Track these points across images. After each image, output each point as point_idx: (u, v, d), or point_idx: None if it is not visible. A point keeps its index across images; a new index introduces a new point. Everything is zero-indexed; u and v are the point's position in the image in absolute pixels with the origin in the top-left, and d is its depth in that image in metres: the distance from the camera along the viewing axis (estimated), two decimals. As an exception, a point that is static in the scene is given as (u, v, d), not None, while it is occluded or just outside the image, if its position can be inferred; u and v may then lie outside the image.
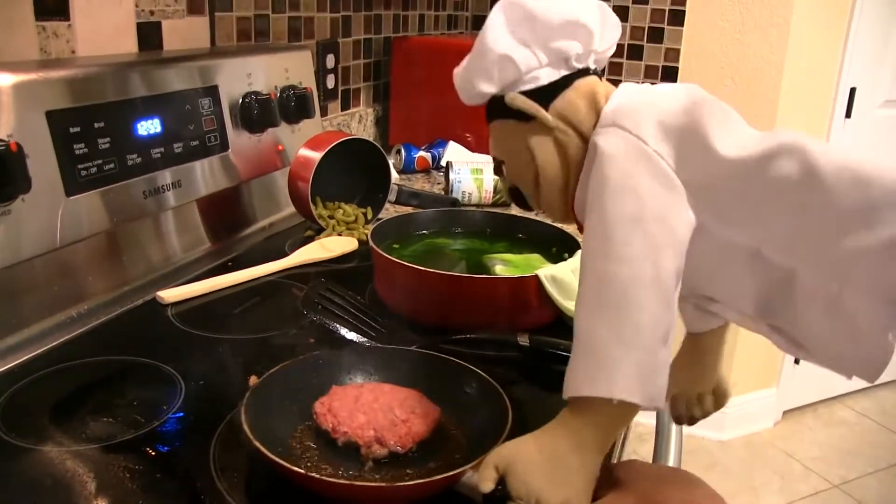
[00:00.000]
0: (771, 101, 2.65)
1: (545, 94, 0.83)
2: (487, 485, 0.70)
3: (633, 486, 0.70)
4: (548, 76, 0.83)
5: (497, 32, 0.83)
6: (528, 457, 0.69)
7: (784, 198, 0.72)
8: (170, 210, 1.30)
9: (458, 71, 0.89)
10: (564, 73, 0.84)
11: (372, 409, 0.82)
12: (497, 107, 0.86)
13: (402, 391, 0.87)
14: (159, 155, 1.23)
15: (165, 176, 1.26)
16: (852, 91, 2.88)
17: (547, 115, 0.82)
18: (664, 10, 2.66)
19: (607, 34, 0.85)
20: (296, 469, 0.71)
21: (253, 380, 0.96)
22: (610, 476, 0.71)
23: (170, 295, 1.19)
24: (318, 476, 0.72)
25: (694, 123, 0.74)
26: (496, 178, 1.74)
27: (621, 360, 0.66)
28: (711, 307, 0.86)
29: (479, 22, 2.83)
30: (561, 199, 0.85)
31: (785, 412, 3.29)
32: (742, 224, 0.75)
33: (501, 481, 0.70)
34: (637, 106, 0.78)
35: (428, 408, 0.85)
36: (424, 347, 1.03)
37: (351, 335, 1.04)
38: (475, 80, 0.85)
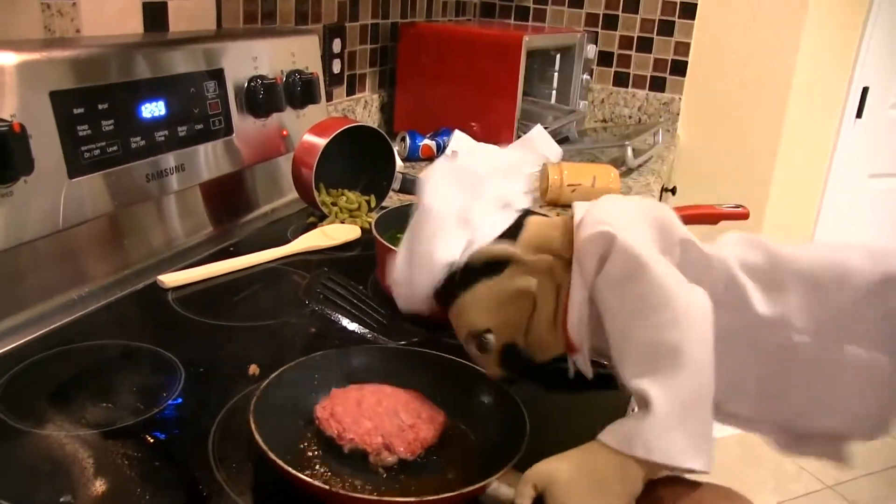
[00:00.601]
0: (780, 98, 2.63)
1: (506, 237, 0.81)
2: (525, 502, 0.69)
3: (673, 502, 0.69)
4: (499, 224, 0.82)
5: (443, 241, 0.82)
6: (568, 477, 0.68)
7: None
8: (172, 194, 1.29)
9: (399, 290, 0.88)
10: (513, 216, 0.83)
11: (377, 414, 0.81)
12: (458, 281, 0.82)
13: (404, 393, 0.86)
14: (163, 138, 1.22)
15: (169, 159, 1.25)
16: (865, 91, 2.86)
17: (518, 252, 0.79)
18: (675, 3, 2.64)
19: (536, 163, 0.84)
20: (319, 485, 0.69)
21: (253, 369, 0.96)
22: (652, 492, 0.70)
23: (170, 279, 1.18)
24: (343, 493, 0.71)
25: (663, 228, 0.77)
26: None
27: (679, 428, 0.66)
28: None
29: (487, 8, 2.82)
30: (553, 329, 0.81)
31: (780, 410, 3.28)
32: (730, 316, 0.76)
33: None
34: (617, 208, 0.79)
35: (433, 412, 0.84)
36: (424, 341, 1.03)
37: (352, 326, 1.03)
38: (429, 286, 0.83)
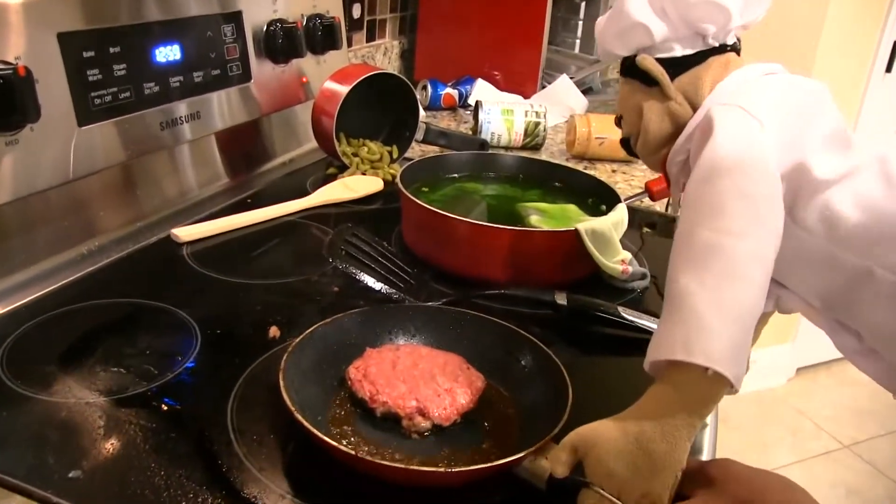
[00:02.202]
0: (809, 50, 2.54)
1: (674, 65, 0.84)
2: (563, 469, 0.65)
3: (726, 486, 0.64)
4: (682, 49, 0.84)
5: None
6: (611, 441, 0.62)
7: (860, 203, 0.73)
8: (187, 143, 1.23)
9: (598, 25, 0.90)
10: (700, 48, 0.84)
11: (412, 377, 0.76)
12: (627, 65, 0.88)
13: (441, 355, 0.81)
14: (178, 84, 1.16)
15: (183, 107, 1.18)
16: (895, 45, 2.77)
17: (670, 86, 0.83)
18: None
19: (750, 10, 0.84)
20: (346, 450, 0.65)
21: (273, 331, 0.91)
22: (703, 474, 0.65)
23: (185, 233, 1.12)
24: (371, 459, 0.67)
25: (803, 133, 0.76)
26: (527, 120, 1.66)
27: (721, 331, 0.61)
28: (778, 291, 0.84)
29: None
30: (656, 155, 0.88)
31: (799, 369, 3.24)
32: (815, 228, 0.75)
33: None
34: (762, 90, 0.80)
35: (471, 376, 0.79)
36: (455, 301, 0.98)
37: (378, 285, 0.97)
38: (609, 41, 0.88)
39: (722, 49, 0.85)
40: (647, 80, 0.85)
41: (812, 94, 0.80)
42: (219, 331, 0.91)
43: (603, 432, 0.63)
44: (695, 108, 0.83)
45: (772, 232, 0.67)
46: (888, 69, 2.82)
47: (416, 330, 0.88)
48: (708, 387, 0.62)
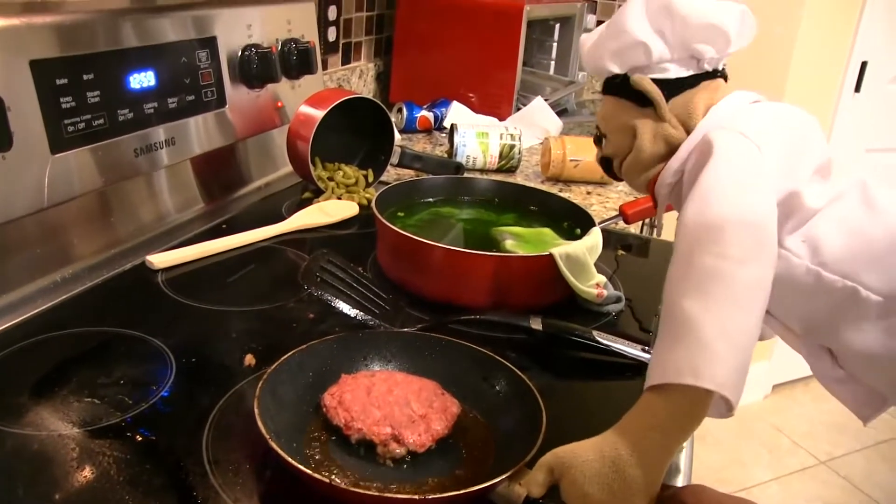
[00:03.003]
0: (781, 70, 2.58)
1: (669, 86, 0.84)
2: (538, 490, 0.65)
3: None
4: (676, 71, 0.85)
5: (636, 16, 0.83)
6: (587, 463, 0.63)
7: (845, 227, 0.74)
8: (162, 169, 1.23)
9: (586, 42, 0.90)
10: (693, 72, 0.85)
11: (387, 403, 0.76)
12: (616, 83, 0.87)
13: (416, 381, 0.81)
14: (152, 110, 1.16)
15: (159, 133, 1.18)
16: (863, 65, 2.81)
17: (666, 108, 0.83)
18: (677, -28, 2.57)
19: (743, 36, 0.85)
20: (320, 478, 0.65)
21: (249, 359, 0.90)
22: (676, 500, 0.65)
23: (160, 260, 1.12)
24: (345, 487, 0.67)
25: (797, 162, 0.77)
26: (502, 142, 1.67)
27: (727, 357, 0.61)
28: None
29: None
30: (644, 176, 0.87)
31: (775, 386, 3.26)
32: (801, 253, 0.76)
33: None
34: (759, 116, 0.81)
35: (446, 402, 0.79)
36: (431, 327, 0.98)
37: (353, 312, 0.97)
38: (604, 58, 0.87)
39: (713, 74, 0.86)
40: (642, 100, 0.84)
41: (805, 125, 0.81)
42: (194, 359, 0.90)
43: (580, 454, 0.64)
44: (688, 131, 0.83)
45: (771, 257, 0.67)
46: (857, 89, 2.86)
47: (391, 356, 0.88)
48: (701, 410, 0.62)
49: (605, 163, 0.92)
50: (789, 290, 0.76)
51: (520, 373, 0.82)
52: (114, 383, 0.84)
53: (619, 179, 0.93)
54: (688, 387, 0.61)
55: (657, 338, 0.66)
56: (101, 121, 1.07)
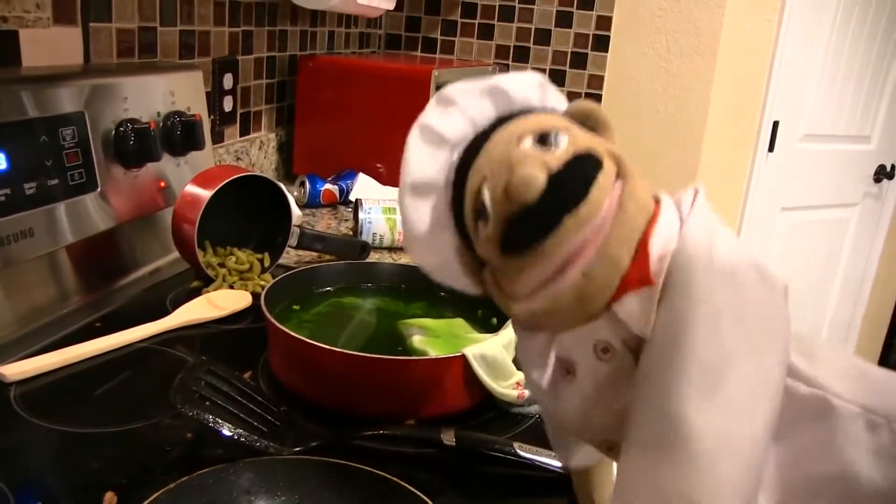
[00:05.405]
0: (697, 132, 2.55)
1: None
2: None
3: None
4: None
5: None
6: None
7: None
8: (21, 263, 1.07)
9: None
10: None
11: None
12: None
13: None
14: (4, 198, 1.01)
15: (13, 223, 1.03)
16: (775, 125, 2.81)
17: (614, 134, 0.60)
18: (588, 35, 2.54)
19: None
20: None
21: (109, 498, 0.75)
22: None
23: (13, 371, 0.96)
24: None
25: None
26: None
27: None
28: None
29: (392, 40, 2.67)
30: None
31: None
32: None
33: None
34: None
35: None
36: (328, 445, 0.84)
37: (237, 431, 0.83)
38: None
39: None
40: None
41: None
42: (39, 502, 0.75)
43: None
44: None
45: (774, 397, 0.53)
46: (770, 148, 2.86)
47: (277, 488, 0.75)
48: None
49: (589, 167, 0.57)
50: None
51: (425, 497, 0.71)
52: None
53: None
54: None
55: (627, 442, 0.54)
56: (-62, 214, 0.92)
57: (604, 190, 0.53)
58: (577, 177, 0.53)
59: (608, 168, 0.55)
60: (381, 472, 0.75)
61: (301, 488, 0.75)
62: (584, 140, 0.56)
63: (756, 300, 0.52)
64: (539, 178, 0.52)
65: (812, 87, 2.91)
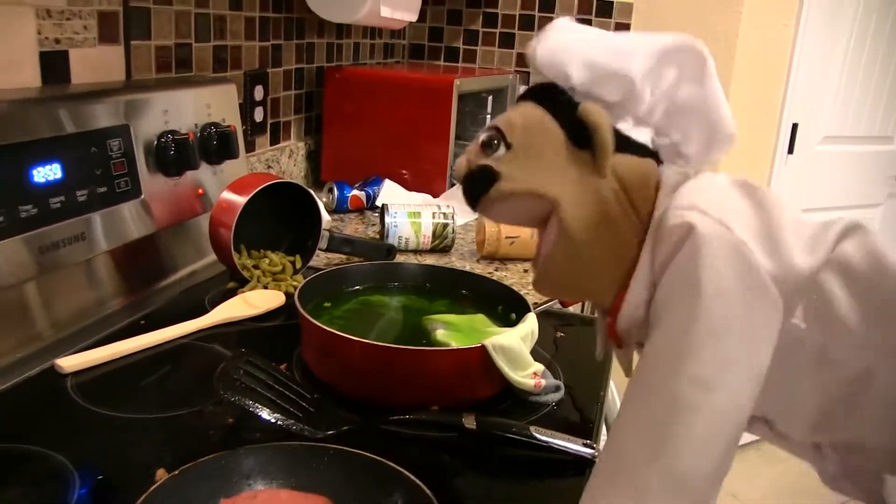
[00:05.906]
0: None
1: (617, 140, 0.70)
2: None
3: None
4: (635, 132, 0.73)
5: (644, 53, 0.70)
6: None
7: (851, 287, 0.63)
8: (73, 265, 1.16)
9: (554, 38, 0.73)
10: (646, 142, 0.73)
11: None
12: (558, 99, 0.72)
13: (303, 499, 0.75)
14: (59, 205, 1.09)
15: (67, 228, 1.11)
16: (794, 127, 2.85)
17: (610, 157, 0.70)
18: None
19: (721, 149, 0.79)
20: None
21: (161, 474, 0.83)
22: None
23: (70, 363, 1.04)
24: None
25: (768, 224, 0.65)
26: (435, 222, 1.63)
27: None
28: (752, 428, 0.75)
29: (416, 50, 2.74)
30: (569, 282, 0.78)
31: (726, 451, 3.23)
32: (810, 327, 0.65)
33: None
34: (714, 191, 0.70)
35: None
36: (359, 431, 0.91)
37: (274, 417, 0.91)
38: (571, 63, 0.70)
39: (657, 156, 0.75)
40: (578, 136, 0.70)
41: (745, 185, 0.72)
42: (100, 477, 0.83)
43: None
44: (633, 208, 0.70)
45: (752, 380, 0.61)
46: (790, 151, 2.90)
47: (277, 472, 0.81)
48: None
49: (482, 181, 0.74)
50: (795, 383, 0.67)
51: (421, 484, 0.76)
52: (5, 511, 0.77)
53: (473, 208, 0.77)
54: None
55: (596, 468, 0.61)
56: (1, 218, 1.00)
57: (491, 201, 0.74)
58: (475, 183, 0.75)
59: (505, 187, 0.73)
60: (377, 457, 0.80)
61: (296, 470, 0.80)
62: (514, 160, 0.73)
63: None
64: (462, 169, 0.76)
65: (831, 90, 2.95)
